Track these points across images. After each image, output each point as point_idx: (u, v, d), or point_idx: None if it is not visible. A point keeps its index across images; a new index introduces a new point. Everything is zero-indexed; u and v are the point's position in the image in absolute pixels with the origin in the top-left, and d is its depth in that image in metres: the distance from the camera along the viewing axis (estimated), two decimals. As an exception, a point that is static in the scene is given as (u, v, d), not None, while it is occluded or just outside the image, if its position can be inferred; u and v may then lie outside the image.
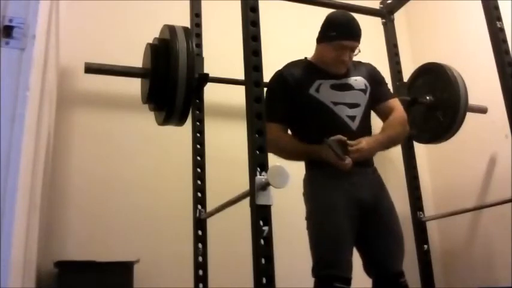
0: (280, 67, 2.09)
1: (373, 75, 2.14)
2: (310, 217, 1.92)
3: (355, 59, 2.08)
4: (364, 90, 2.06)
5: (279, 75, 2.06)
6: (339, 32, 1.99)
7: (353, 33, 2.01)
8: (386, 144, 2.04)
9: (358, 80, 2.07)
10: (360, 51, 2.03)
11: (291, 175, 1.43)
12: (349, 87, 2.03)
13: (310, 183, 1.99)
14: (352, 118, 1.98)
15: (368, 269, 1.95)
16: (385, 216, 1.96)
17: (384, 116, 2.11)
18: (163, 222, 2.65)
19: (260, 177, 1.43)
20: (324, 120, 1.98)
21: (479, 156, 3.05)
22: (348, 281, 1.79)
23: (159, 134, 2.62)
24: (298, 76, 2.03)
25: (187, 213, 2.27)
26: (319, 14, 2.17)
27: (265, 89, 1.69)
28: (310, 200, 1.96)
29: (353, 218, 1.87)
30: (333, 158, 1.87)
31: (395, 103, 2.15)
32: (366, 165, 1.98)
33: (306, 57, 2.14)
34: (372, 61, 2.24)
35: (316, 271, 1.83)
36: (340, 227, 1.84)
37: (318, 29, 2.09)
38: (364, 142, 1.91)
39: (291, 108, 2.01)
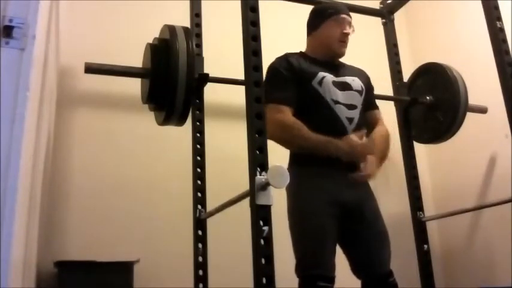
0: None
1: (366, 80, 2.13)
2: (292, 215, 1.89)
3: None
4: (360, 92, 2.04)
5: (283, 59, 2.01)
6: (330, 10, 2.08)
7: (342, 8, 2.10)
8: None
9: (355, 81, 2.05)
10: (354, 31, 2.06)
11: (291, 175, 1.43)
12: (348, 87, 2.01)
13: (294, 181, 1.93)
14: (350, 120, 1.95)
15: (356, 270, 1.93)
16: (370, 217, 1.94)
17: (367, 124, 2.08)
18: (163, 222, 2.65)
19: (260, 177, 1.43)
20: (323, 117, 1.93)
21: (479, 156, 3.04)
22: (331, 279, 1.79)
23: (159, 134, 2.62)
24: (303, 64, 2.00)
25: (187, 213, 2.27)
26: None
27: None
28: (293, 198, 1.91)
29: (337, 219, 1.85)
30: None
31: (380, 115, 2.16)
32: (354, 167, 1.92)
33: (301, 51, 2.13)
34: (372, 61, 2.23)
35: (300, 270, 1.82)
36: (323, 227, 1.82)
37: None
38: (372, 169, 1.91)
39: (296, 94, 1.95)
